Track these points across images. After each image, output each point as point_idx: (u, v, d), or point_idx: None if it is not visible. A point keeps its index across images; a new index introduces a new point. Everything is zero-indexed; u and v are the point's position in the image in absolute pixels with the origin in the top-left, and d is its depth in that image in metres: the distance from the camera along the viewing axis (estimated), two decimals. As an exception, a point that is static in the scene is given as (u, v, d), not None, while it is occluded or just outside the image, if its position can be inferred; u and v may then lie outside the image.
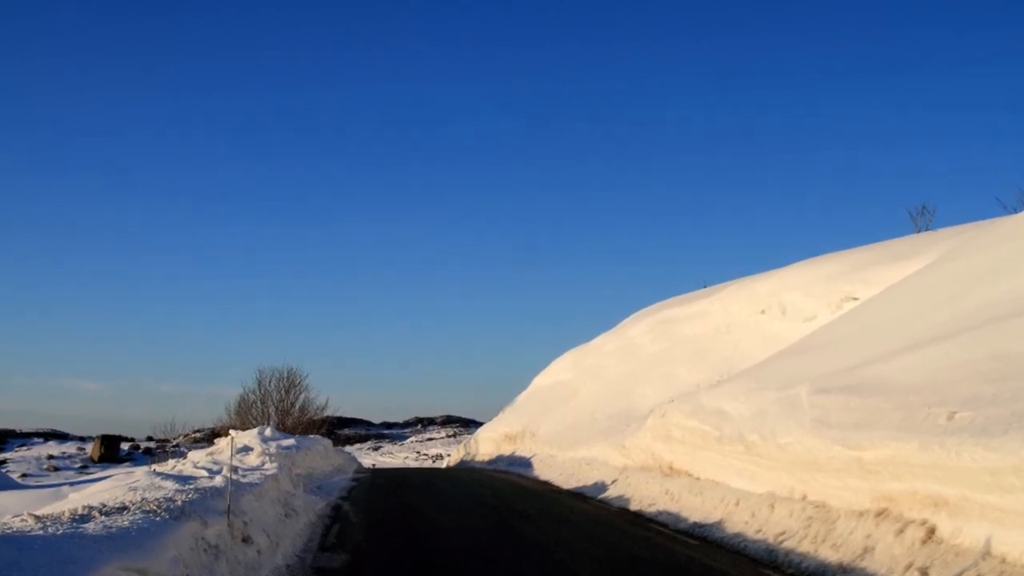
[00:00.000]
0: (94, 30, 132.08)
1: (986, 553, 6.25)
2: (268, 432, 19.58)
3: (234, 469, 10.74)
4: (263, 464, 14.62)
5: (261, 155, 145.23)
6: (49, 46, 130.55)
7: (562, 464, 21.01)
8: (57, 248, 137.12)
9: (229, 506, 8.35)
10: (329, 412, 35.54)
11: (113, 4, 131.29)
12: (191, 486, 9.38)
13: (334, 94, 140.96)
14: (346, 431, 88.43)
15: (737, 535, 9.69)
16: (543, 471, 21.66)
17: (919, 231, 24.24)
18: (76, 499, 9.30)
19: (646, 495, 13.51)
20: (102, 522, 6.35)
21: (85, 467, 35.70)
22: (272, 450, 16.28)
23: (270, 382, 32.47)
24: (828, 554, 8.00)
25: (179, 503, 7.73)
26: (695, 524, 10.82)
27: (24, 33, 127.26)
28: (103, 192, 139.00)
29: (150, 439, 46.81)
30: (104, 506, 7.14)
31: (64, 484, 20.72)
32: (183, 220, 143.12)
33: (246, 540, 8.32)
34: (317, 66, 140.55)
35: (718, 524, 10.36)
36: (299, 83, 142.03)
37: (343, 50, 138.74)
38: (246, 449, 16.40)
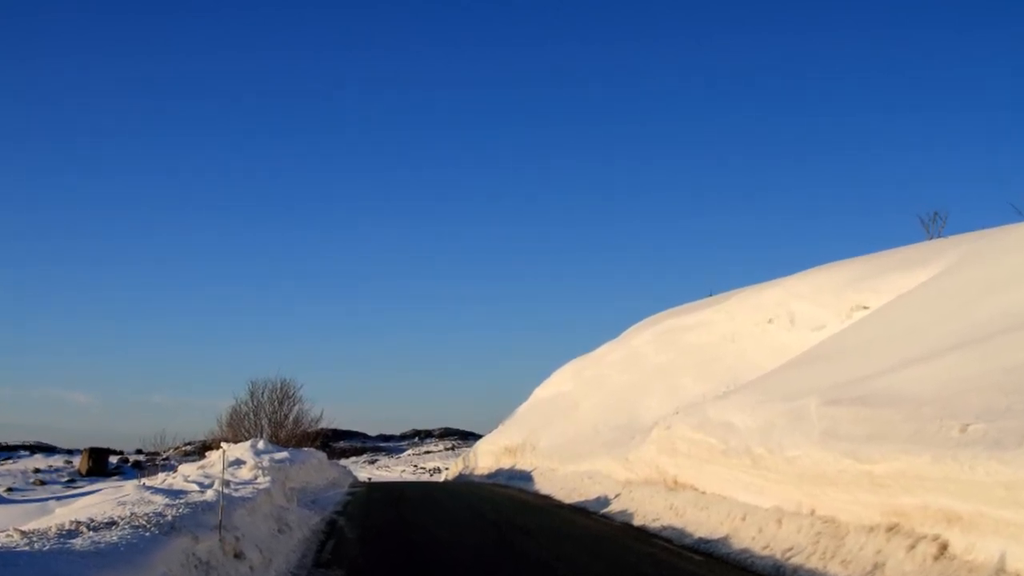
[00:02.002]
0: (88, 32, 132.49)
1: (1000, 570, 6.25)
2: (261, 445, 19.56)
3: (226, 483, 10.74)
4: (256, 478, 14.60)
5: (253, 159, 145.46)
6: (48, 47, 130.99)
7: (563, 478, 20.98)
8: (44, 254, 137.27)
9: (221, 521, 8.34)
10: (324, 424, 35.51)
11: (108, 6, 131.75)
12: (182, 500, 9.38)
13: (330, 97, 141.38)
14: (341, 444, 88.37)
15: (744, 551, 9.67)
16: (544, 485, 21.63)
17: (931, 238, 24.22)
18: (63, 514, 9.30)
19: (650, 510, 13.48)
20: (90, 538, 6.35)
21: (72, 481, 35.57)
22: (265, 463, 16.26)
23: (263, 393, 32.44)
24: (837, 570, 7.99)
25: (169, 518, 7.73)
26: (700, 540, 10.80)
27: (24, 34, 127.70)
28: (91, 197, 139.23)
29: (139, 452, 46.73)
30: (92, 521, 7.15)
31: (51, 499, 20.73)
32: (174, 226, 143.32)
33: (238, 556, 8.31)
34: (312, 69, 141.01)
35: (724, 540, 10.34)
36: (294, 86, 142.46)
37: (337, 53, 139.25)
38: (238, 462, 16.38)
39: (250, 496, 11.32)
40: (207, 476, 13.46)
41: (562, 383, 36.01)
